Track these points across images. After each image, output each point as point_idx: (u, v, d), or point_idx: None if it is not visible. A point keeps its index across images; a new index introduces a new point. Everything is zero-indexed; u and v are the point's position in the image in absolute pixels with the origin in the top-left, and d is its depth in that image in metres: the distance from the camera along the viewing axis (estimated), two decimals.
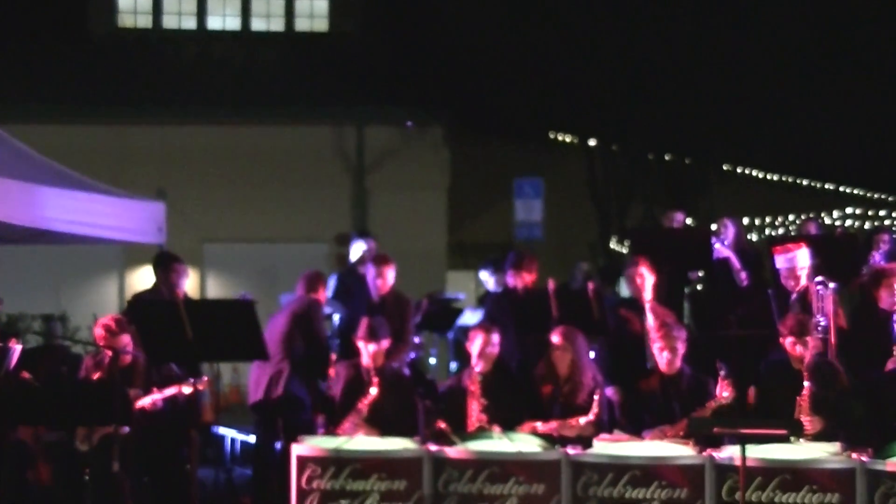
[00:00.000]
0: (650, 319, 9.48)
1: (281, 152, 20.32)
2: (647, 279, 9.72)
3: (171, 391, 8.96)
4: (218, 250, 20.32)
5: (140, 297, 11.21)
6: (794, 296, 9.55)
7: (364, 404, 8.96)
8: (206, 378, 9.23)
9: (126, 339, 9.01)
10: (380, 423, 8.92)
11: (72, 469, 8.85)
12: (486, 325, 9.44)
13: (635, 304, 9.81)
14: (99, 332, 9.14)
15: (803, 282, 9.58)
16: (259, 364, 10.25)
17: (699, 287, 11.78)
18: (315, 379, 10.60)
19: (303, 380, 10.39)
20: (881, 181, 24.93)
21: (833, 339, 9.35)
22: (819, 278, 9.55)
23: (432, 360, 14.09)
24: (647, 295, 9.72)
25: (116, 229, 13.00)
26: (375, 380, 9.00)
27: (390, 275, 10.43)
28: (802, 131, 22.75)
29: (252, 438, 11.50)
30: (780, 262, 9.69)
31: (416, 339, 11.86)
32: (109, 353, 8.95)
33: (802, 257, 9.62)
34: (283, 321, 10.46)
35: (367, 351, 9.15)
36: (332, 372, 9.77)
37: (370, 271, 10.46)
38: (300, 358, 10.37)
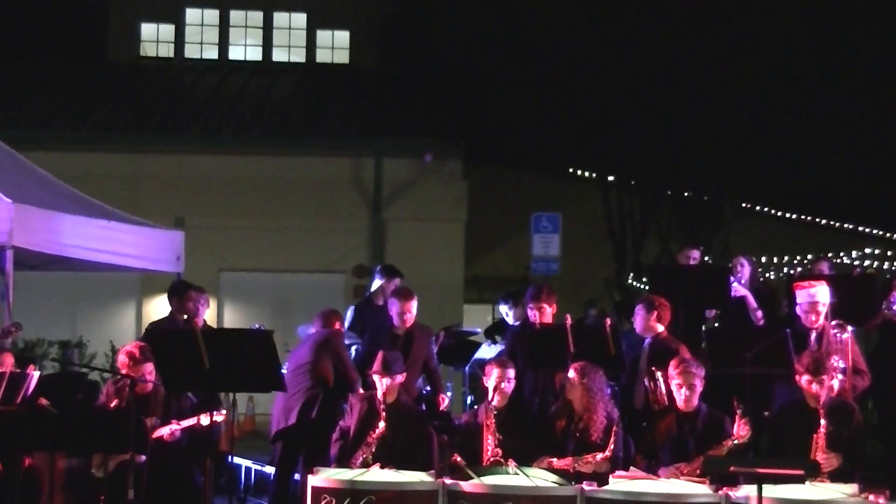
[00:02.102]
0: (646, 355, 9.61)
1: (299, 183, 20.38)
2: (644, 317, 9.84)
3: (189, 422, 8.98)
4: (235, 279, 20.37)
5: (156, 326, 11.21)
6: (812, 333, 9.56)
7: (373, 438, 8.98)
8: (224, 410, 9.23)
9: (149, 368, 9.03)
10: (389, 457, 8.92)
11: (87, 496, 8.86)
12: (502, 360, 9.44)
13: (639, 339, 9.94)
14: (122, 359, 9.18)
15: (822, 319, 9.60)
16: (286, 394, 10.20)
17: (716, 325, 11.76)
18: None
19: (335, 406, 10.38)
20: None
21: (849, 383, 9.36)
22: (835, 321, 9.57)
23: (448, 394, 14.06)
24: (648, 331, 9.83)
25: (135, 257, 13.08)
26: (383, 415, 9.02)
27: (415, 308, 10.44)
28: (821, 170, 22.71)
29: (267, 468, 11.48)
30: (801, 296, 9.71)
31: None
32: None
33: (823, 294, 9.64)
34: (306, 352, 10.45)
35: (381, 385, 9.17)
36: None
37: (394, 305, 10.43)
38: (332, 385, 10.36)
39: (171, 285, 12.05)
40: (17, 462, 8.94)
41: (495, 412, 9.00)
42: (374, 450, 8.94)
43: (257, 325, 10.74)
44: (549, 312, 10.28)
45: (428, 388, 11.04)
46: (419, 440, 9.26)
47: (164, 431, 8.94)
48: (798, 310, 9.79)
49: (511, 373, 9.21)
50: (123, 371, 9.13)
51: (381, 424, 8.99)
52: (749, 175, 22.95)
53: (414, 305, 10.42)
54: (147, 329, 11.10)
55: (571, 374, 9.08)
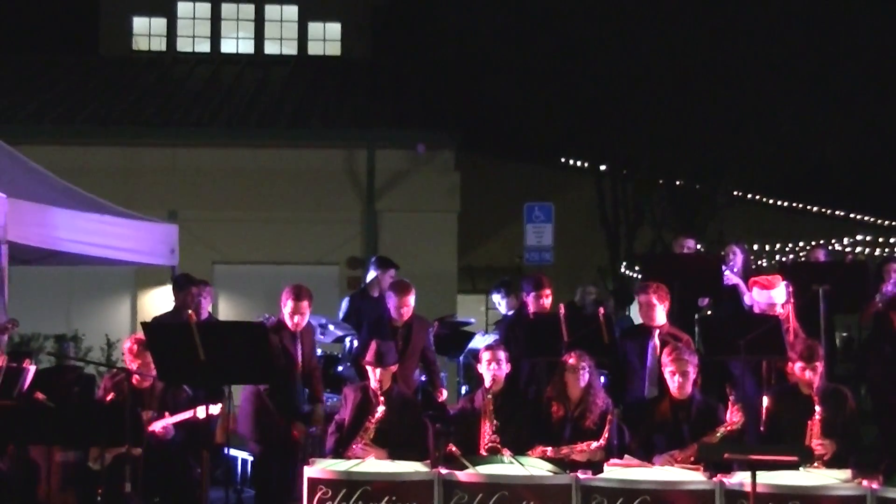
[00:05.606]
0: (657, 347, 9.55)
1: (292, 174, 20.36)
2: (657, 306, 9.76)
3: (183, 416, 9.02)
4: (228, 272, 20.32)
5: (160, 320, 11.22)
6: None
7: (371, 423, 9.02)
8: (220, 404, 9.24)
9: None
10: (387, 443, 8.98)
11: (84, 489, 8.88)
12: (490, 345, 9.48)
13: (643, 329, 9.86)
14: (130, 345, 9.24)
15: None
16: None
17: (709, 313, 11.80)
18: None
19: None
20: (892, 208, 24.94)
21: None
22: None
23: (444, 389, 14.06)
24: (659, 321, 9.76)
25: (129, 251, 13.06)
26: (382, 399, 9.07)
27: (412, 302, 10.43)
28: (812, 157, 22.77)
29: None
30: (761, 297, 9.81)
31: None
32: (138, 365, 9.06)
33: (779, 294, 9.74)
34: None
35: (375, 375, 9.21)
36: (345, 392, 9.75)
37: (392, 300, 10.41)
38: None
39: (174, 279, 12.07)
40: (14, 456, 8.96)
41: (492, 397, 9.03)
42: (372, 436, 8.99)
43: (267, 316, 10.75)
44: (547, 301, 10.40)
45: (423, 378, 11.05)
46: (414, 428, 9.30)
47: (157, 426, 8.99)
48: (755, 307, 9.88)
49: (501, 355, 9.22)
50: (130, 357, 9.21)
51: (381, 409, 9.03)
52: (741, 163, 23.01)
53: (411, 299, 10.41)
54: (143, 323, 11.10)
55: (571, 361, 9.10)
